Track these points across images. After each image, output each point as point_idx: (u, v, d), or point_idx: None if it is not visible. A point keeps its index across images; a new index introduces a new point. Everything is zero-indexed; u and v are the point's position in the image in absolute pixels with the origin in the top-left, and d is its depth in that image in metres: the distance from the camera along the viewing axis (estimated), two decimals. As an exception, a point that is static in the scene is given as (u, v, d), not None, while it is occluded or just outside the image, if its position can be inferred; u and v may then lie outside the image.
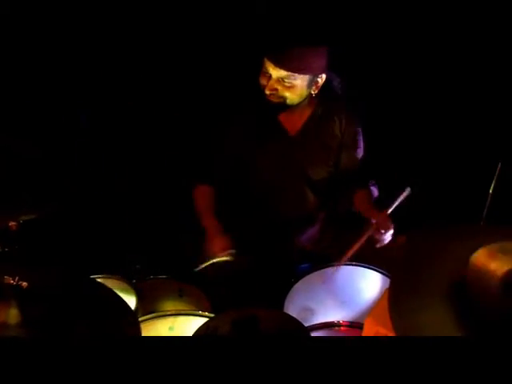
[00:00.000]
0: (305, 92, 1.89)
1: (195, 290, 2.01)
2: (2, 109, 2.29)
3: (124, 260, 2.15)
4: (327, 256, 2.00)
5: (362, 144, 2.08)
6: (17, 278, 1.26)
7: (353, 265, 1.90)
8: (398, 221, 1.86)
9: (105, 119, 2.51)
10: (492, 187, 1.82)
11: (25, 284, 1.26)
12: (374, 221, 1.85)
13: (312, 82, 1.88)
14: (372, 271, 1.89)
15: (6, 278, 1.25)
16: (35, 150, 2.24)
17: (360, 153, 2.08)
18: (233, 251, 1.90)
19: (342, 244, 1.94)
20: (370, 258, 1.91)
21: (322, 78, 1.90)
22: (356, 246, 1.83)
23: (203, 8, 2.35)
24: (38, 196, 2.02)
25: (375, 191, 2.08)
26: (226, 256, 1.89)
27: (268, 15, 2.23)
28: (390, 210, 1.86)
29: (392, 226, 1.86)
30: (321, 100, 1.98)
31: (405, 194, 1.86)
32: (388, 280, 1.83)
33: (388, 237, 1.87)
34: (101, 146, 2.49)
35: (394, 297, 1.04)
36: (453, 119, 2.34)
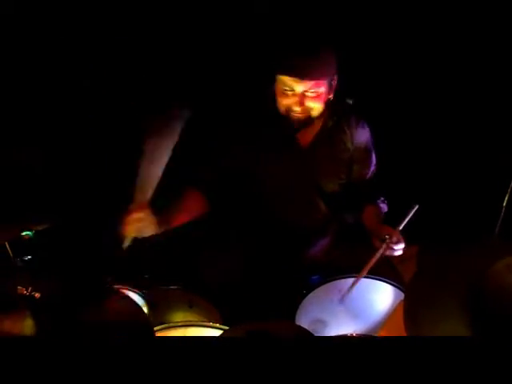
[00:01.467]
0: (326, 98, 1.87)
1: (205, 301, 2.01)
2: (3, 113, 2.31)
3: (133, 270, 2.15)
4: (338, 268, 1.99)
5: (373, 156, 2.07)
6: (30, 288, 1.27)
7: (365, 277, 1.88)
8: (409, 232, 1.85)
9: (109, 126, 2.52)
10: (506, 201, 1.80)
11: (37, 295, 1.27)
12: (387, 237, 1.83)
13: (330, 86, 1.86)
14: (384, 284, 1.87)
15: (20, 289, 1.27)
16: (39, 158, 2.26)
17: (371, 165, 2.08)
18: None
19: (353, 256, 1.93)
20: (381, 270, 1.91)
21: (335, 80, 1.88)
22: (371, 264, 1.82)
23: (218, 20, 2.36)
24: (47, 205, 2.04)
25: (385, 207, 2.07)
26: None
27: (278, 29, 2.21)
28: (400, 227, 1.85)
29: (403, 243, 1.84)
30: (331, 112, 1.97)
31: (413, 210, 1.85)
32: (400, 293, 1.82)
33: (399, 252, 1.85)
34: (107, 150, 2.49)
35: (409, 310, 1.03)
36: (466, 134, 2.33)
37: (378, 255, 1.81)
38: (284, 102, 1.84)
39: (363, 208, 2.07)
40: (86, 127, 2.47)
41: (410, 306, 1.03)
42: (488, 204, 1.95)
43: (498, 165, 2.00)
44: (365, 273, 1.81)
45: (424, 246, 1.80)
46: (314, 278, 2.05)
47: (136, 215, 1.71)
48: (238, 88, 2.35)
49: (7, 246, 1.75)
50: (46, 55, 2.36)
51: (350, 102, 1.98)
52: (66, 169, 2.24)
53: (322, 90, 1.82)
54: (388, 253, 1.83)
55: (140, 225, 1.72)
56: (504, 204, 1.81)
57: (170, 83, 2.49)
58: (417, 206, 1.85)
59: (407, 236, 1.85)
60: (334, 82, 1.89)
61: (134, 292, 1.84)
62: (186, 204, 1.97)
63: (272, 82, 1.86)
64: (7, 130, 2.24)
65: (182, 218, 1.93)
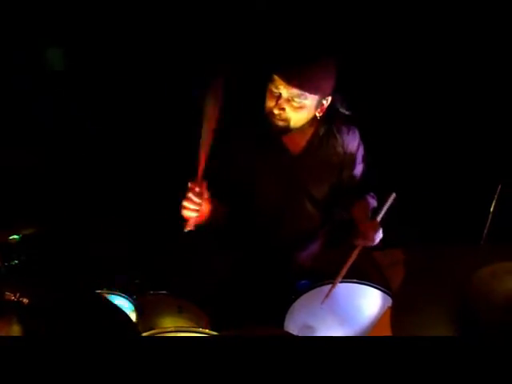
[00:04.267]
0: (311, 114, 1.86)
1: (194, 306, 2.01)
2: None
3: (123, 275, 2.14)
4: (327, 272, 2.00)
5: (362, 159, 2.09)
6: (18, 294, 1.26)
7: (352, 282, 1.90)
8: (397, 236, 1.88)
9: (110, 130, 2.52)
10: (493, 206, 1.82)
11: (25, 300, 1.26)
12: (361, 230, 1.89)
13: (319, 104, 1.85)
14: (371, 288, 1.88)
15: (8, 295, 1.26)
16: (33, 160, 2.24)
17: (361, 168, 2.09)
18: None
19: (341, 262, 1.94)
20: (367, 274, 1.93)
21: (327, 101, 1.87)
22: (348, 264, 1.86)
23: (211, 23, 2.36)
24: (36, 209, 2.02)
25: (373, 202, 2.09)
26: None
27: (279, 32, 2.22)
28: (379, 218, 1.90)
29: (379, 234, 1.88)
30: (324, 119, 1.96)
31: (391, 199, 1.90)
32: (388, 297, 1.83)
33: (375, 242, 1.89)
34: (104, 157, 2.49)
35: (396, 315, 1.04)
36: (454, 138, 2.36)
37: (356, 253, 1.86)
38: (268, 103, 1.84)
39: (352, 205, 2.08)
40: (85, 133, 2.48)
41: (397, 312, 1.04)
42: (475, 208, 1.97)
43: (486, 169, 2.02)
44: (344, 271, 1.85)
45: (411, 250, 1.82)
46: (302, 283, 2.06)
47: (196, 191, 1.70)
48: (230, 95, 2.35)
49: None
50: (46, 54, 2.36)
51: (347, 112, 1.98)
52: (60, 172, 2.22)
53: (308, 103, 1.79)
54: (365, 244, 1.88)
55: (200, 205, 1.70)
56: (491, 209, 1.83)
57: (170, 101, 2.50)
58: (394, 194, 1.89)
59: (396, 240, 1.88)
60: (326, 103, 1.87)
61: (124, 297, 1.83)
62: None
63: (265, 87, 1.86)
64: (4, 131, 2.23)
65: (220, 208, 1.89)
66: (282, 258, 2.13)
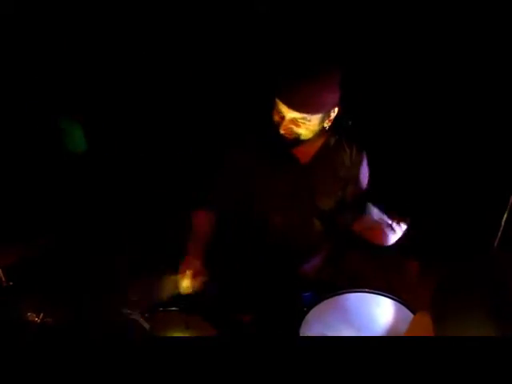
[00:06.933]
0: (318, 128, 1.87)
1: (202, 322, 1.98)
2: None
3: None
4: (330, 284, 2.01)
5: (367, 172, 2.10)
6: (42, 314, 1.23)
7: (364, 292, 1.91)
8: (410, 248, 1.89)
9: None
10: (504, 218, 1.85)
11: (49, 320, 1.23)
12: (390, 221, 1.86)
13: (327, 116, 1.87)
14: (383, 298, 1.89)
15: (31, 315, 1.22)
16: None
17: (365, 185, 2.11)
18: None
19: (345, 273, 1.95)
20: (381, 285, 1.94)
21: (334, 112, 1.88)
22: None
23: (220, 35, 2.37)
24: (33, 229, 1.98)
25: (377, 213, 2.09)
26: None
27: (280, 54, 2.23)
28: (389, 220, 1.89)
29: (393, 235, 1.87)
30: (333, 130, 1.98)
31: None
32: (401, 306, 1.85)
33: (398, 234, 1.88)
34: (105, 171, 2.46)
35: (438, 321, 1.05)
36: (466, 150, 2.40)
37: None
38: (275, 118, 1.86)
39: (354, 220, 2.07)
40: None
41: (439, 318, 1.05)
42: (486, 220, 1.99)
43: (498, 180, 2.05)
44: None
45: (426, 261, 1.84)
46: (306, 295, 2.06)
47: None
48: (239, 105, 2.35)
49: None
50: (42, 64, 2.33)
51: (350, 122, 2.00)
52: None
53: (311, 122, 1.82)
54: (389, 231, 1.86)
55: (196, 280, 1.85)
56: (503, 221, 1.85)
57: (180, 108, 2.49)
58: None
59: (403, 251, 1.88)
60: (334, 113, 1.88)
61: (135, 315, 1.79)
62: (201, 229, 2.03)
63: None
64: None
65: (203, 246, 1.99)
66: (287, 270, 2.12)
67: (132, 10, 2.32)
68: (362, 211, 2.08)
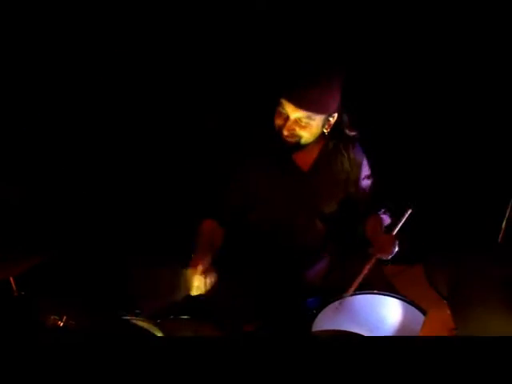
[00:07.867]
0: (319, 131, 1.92)
1: (211, 329, 1.99)
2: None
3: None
4: (335, 290, 2.03)
5: (368, 175, 2.14)
6: (65, 317, 1.24)
7: (372, 293, 1.94)
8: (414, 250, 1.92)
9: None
10: (507, 213, 1.88)
11: (72, 323, 1.24)
12: (376, 244, 1.95)
13: (326, 121, 1.92)
14: (390, 298, 1.93)
15: (54, 319, 1.23)
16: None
17: (368, 184, 2.14)
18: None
19: (351, 279, 1.98)
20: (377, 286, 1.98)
21: (334, 117, 1.94)
22: (362, 276, 1.92)
23: (224, 39, 2.40)
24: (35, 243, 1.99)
25: (386, 219, 2.13)
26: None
27: (286, 55, 2.27)
28: (395, 232, 1.96)
29: (395, 246, 1.93)
30: (331, 135, 2.02)
31: (407, 214, 1.97)
32: (407, 305, 1.89)
33: (391, 254, 1.94)
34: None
35: (458, 313, 1.09)
36: (468, 147, 2.44)
37: (369, 265, 1.93)
38: (277, 122, 1.90)
39: (364, 221, 2.13)
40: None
41: (459, 309, 1.09)
42: (489, 218, 2.03)
43: (500, 177, 2.09)
44: (357, 283, 1.91)
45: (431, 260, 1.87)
46: (311, 300, 2.08)
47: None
48: (239, 111, 2.38)
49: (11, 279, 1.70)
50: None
51: (354, 133, 2.04)
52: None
53: (315, 123, 1.87)
54: (381, 257, 1.94)
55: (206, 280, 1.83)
56: (505, 218, 1.89)
57: (181, 116, 2.51)
58: (410, 210, 1.96)
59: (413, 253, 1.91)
60: (333, 120, 1.94)
61: (148, 322, 1.81)
62: (209, 234, 2.04)
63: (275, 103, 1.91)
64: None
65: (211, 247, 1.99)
66: (291, 276, 2.14)
67: (132, 10, 2.34)
68: (370, 211, 2.13)
